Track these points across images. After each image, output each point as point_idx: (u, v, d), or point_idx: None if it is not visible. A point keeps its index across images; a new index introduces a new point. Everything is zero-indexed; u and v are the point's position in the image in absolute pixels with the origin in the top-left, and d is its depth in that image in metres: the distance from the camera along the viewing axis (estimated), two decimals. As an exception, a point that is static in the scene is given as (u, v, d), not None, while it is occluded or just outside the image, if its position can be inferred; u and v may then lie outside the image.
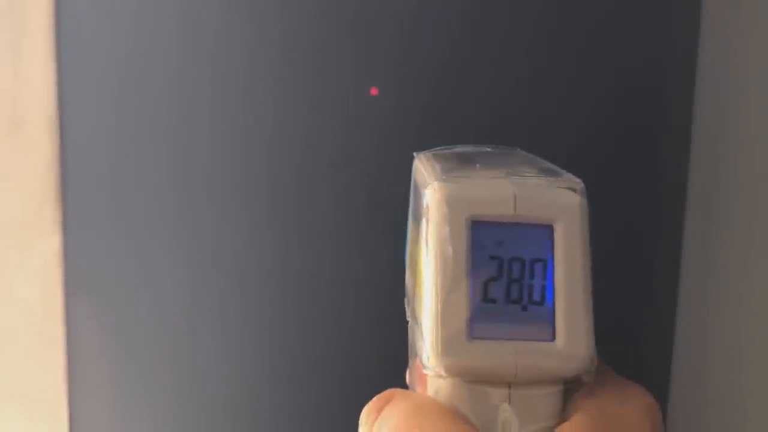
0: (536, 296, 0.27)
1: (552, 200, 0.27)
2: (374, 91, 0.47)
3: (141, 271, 0.50)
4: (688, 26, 0.47)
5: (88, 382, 0.52)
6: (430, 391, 0.27)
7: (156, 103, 0.49)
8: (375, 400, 0.28)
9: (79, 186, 0.50)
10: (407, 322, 0.32)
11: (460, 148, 0.34)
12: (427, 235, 0.27)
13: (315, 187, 0.48)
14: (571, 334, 0.26)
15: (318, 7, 0.47)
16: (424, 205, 0.27)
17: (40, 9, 0.49)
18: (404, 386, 0.32)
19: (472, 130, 0.46)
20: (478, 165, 0.30)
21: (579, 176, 0.28)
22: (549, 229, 0.27)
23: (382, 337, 0.48)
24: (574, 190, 0.27)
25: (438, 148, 0.34)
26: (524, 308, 0.27)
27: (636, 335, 0.50)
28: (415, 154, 0.33)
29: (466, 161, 0.31)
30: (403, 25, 0.47)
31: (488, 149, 0.34)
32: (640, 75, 0.48)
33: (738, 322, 0.44)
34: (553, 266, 0.27)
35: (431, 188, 0.27)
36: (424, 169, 0.30)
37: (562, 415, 0.27)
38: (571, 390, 0.27)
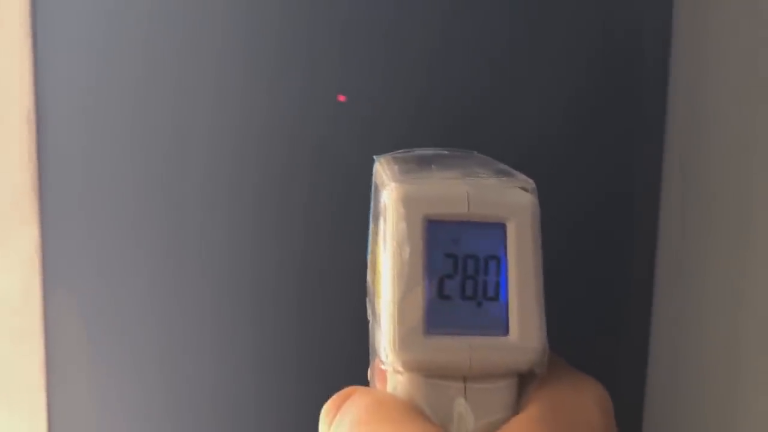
0: (490, 292, 0.28)
1: (504, 199, 0.28)
2: (342, 98, 0.48)
3: (120, 264, 0.50)
4: (659, 18, 0.49)
5: (66, 375, 0.52)
6: (389, 387, 0.28)
7: (134, 97, 0.49)
8: (334, 397, 0.29)
9: (57, 178, 0.50)
10: (369, 321, 0.33)
11: (419, 151, 0.35)
12: (384, 234, 0.28)
13: (281, 188, 0.49)
14: (523, 328, 0.27)
15: (288, 17, 0.48)
16: (382, 205, 0.28)
17: (17, 4, 0.49)
18: (367, 384, 0.33)
19: (432, 133, 0.47)
20: (434, 166, 0.30)
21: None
22: (502, 227, 0.28)
23: (346, 336, 0.48)
24: (526, 190, 0.28)
25: (398, 151, 0.34)
26: (479, 304, 0.28)
27: (612, 335, 0.51)
28: (375, 157, 0.34)
29: (423, 163, 0.31)
30: (369, 35, 0.48)
31: (446, 152, 0.35)
32: (610, 74, 0.49)
33: (711, 321, 0.45)
34: (506, 263, 0.28)
35: (389, 189, 0.28)
36: (383, 171, 0.31)
37: (517, 407, 0.27)
38: (524, 382, 0.28)
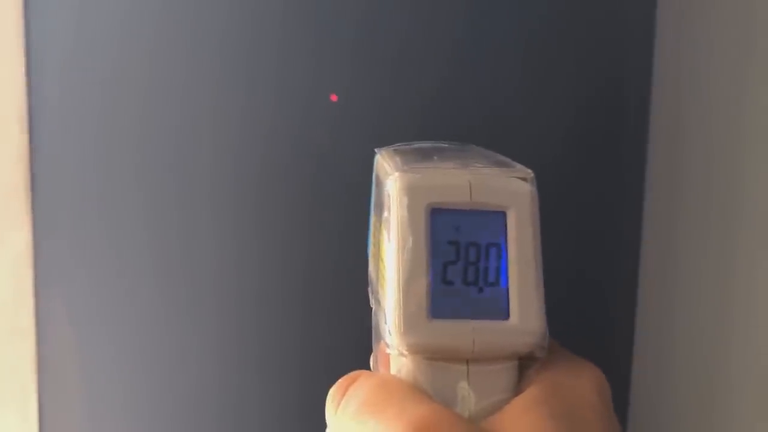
0: (491, 278, 0.28)
1: (505, 188, 0.29)
2: (334, 98, 0.49)
3: (112, 264, 0.50)
4: (643, 20, 0.50)
5: (58, 374, 0.52)
6: (393, 370, 0.29)
7: (125, 97, 0.49)
8: (341, 380, 0.30)
9: (49, 179, 0.50)
10: (371, 309, 0.34)
11: (418, 144, 0.35)
12: (389, 223, 0.29)
13: (280, 183, 0.50)
14: (524, 313, 0.28)
15: (284, 16, 0.49)
16: (386, 194, 0.29)
17: (9, 5, 0.49)
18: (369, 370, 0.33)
19: (428, 128, 0.48)
20: (435, 157, 0.31)
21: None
22: (502, 216, 0.29)
23: (346, 326, 0.49)
24: (525, 180, 0.29)
25: (398, 144, 0.35)
26: (480, 289, 0.28)
27: (598, 323, 0.52)
28: (376, 150, 0.35)
29: (424, 155, 0.32)
30: (365, 33, 0.49)
31: (444, 145, 0.36)
32: (598, 70, 0.50)
33: (694, 314, 0.46)
34: (506, 249, 0.29)
35: (393, 178, 0.29)
36: (385, 163, 0.32)
37: (518, 389, 0.28)
38: (525, 365, 0.29)
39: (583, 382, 0.29)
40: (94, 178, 0.50)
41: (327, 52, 0.49)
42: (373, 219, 0.34)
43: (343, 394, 0.29)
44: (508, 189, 0.29)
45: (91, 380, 0.52)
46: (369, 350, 0.35)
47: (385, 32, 0.49)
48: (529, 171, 0.30)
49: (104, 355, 0.52)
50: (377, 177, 0.34)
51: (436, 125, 0.49)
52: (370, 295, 0.34)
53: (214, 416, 0.52)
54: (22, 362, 0.52)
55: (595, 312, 0.52)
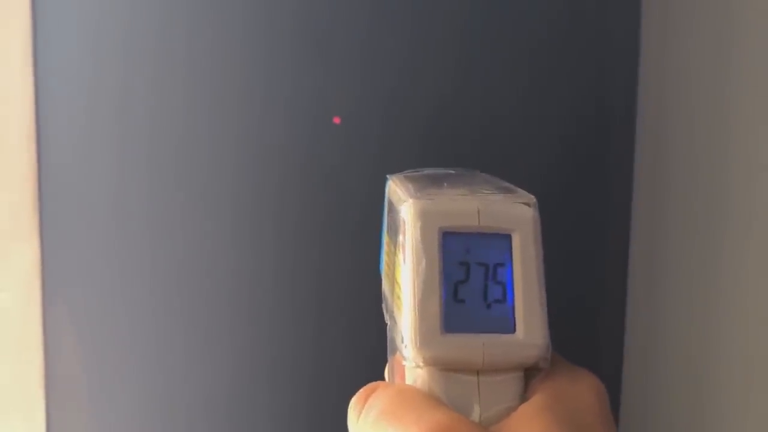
0: (498, 295, 0.31)
1: (510, 213, 0.32)
2: (337, 120, 0.51)
3: (118, 277, 0.52)
4: (627, 54, 0.53)
5: (65, 386, 0.53)
6: (409, 380, 0.32)
7: (132, 115, 0.51)
8: (361, 391, 0.32)
9: (57, 193, 0.52)
10: (386, 324, 0.36)
11: (427, 171, 0.38)
12: (404, 246, 0.31)
13: (293, 198, 0.52)
14: (529, 327, 0.31)
15: (301, 42, 0.51)
16: (401, 220, 0.32)
17: (17, 22, 0.51)
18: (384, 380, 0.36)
19: (429, 146, 0.51)
20: (445, 184, 0.34)
21: (534, 191, 0.33)
22: (508, 238, 0.31)
23: (362, 340, 0.51)
24: (528, 205, 0.32)
25: (408, 171, 0.38)
26: (489, 306, 0.31)
27: (589, 330, 0.54)
28: (388, 176, 0.37)
29: (434, 181, 0.35)
30: (382, 66, 0.51)
31: (452, 171, 0.38)
32: (585, 99, 0.53)
33: (682, 316, 0.49)
34: (512, 269, 0.31)
35: (407, 205, 0.31)
36: (398, 189, 0.34)
37: (523, 397, 0.31)
38: (530, 375, 0.31)
39: (583, 389, 0.31)
40: (101, 193, 0.52)
41: (335, 77, 0.51)
42: (386, 240, 0.37)
43: (364, 404, 0.31)
44: (513, 214, 0.32)
45: (98, 391, 0.53)
46: (378, 361, 0.37)
47: (388, 60, 0.51)
48: (532, 197, 0.32)
49: (111, 367, 0.53)
50: (390, 202, 0.36)
51: (436, 145, 0.52)
52: (384, 311, 0.37)
53: (223, 428, 0.53)
54: (29, 374, 0.53)
55: (585, 320, 0.55)
